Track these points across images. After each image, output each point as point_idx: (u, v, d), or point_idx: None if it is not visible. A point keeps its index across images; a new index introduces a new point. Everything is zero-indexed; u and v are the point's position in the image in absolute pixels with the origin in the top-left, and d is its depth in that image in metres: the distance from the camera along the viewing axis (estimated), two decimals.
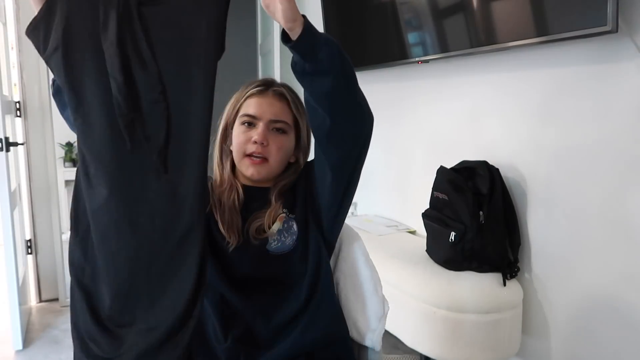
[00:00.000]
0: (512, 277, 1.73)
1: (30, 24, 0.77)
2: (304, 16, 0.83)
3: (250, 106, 1.05)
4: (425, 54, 2.09)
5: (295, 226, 1.03)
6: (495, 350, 1.67)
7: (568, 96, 1.61)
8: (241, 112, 1.06)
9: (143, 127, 0.78)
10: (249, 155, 1.03)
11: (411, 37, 2.17)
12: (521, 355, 1.80)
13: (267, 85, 1.08)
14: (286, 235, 1.02)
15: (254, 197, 1.06)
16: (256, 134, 1.02)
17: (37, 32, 0.77)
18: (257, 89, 1.06)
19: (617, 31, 1.33)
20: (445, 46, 1.98)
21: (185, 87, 0.79)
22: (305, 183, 1.06)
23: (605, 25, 1.33)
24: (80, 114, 0.78)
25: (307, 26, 0.83)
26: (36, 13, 0.76)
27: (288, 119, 1.06)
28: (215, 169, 1.11)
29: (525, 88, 1.77)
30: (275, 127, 1.04)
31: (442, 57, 2.00)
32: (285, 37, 0.85)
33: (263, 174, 1.05)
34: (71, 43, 0.76)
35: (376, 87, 2.58)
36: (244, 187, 1.07)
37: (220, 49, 0.80)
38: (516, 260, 1.77)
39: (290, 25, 0.82)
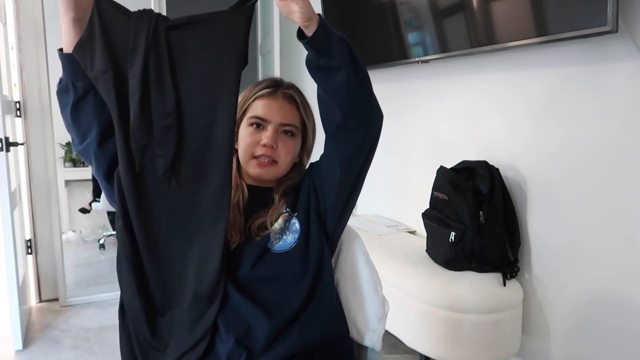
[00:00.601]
0: (512, 277, 1.73)
1: (77, 44, 0.85)
2: (318, 14, 0.87)
3: (259, 108, 1.05)
4: (425, 54, 2.09)
5: (297, 225, 1.03)
6: (495, 350, 1.67)
7: (568, 96, 1.61)
8: (249, 113, 1.06)
9: (152, 149, 0.87)
10: (256, 157, 1.04)
11: (411, 37, 2.17)
12: (521, 355, 1.81)
13: (276, 87, 1.08)
14: (288, 233, 1.03)
15: (258, 196, 1.07)
16: (265, 137, 1.03)
17: (83, 52, 0.84)
18: (266, 90, 1.06)
19: (617, 31, 1.33)
20: (445, 46, 1.98)
21: (207, 107, 0.88)
22: (309, 182, 1.06)
23: (605, 25, 1.33)
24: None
25: (322, 23, 0.86)
26: (80, 35, 0.84)
27: (297, 122, 1.07)
28: None
29: (525, 88, 1.77)
30: (284, 130, 1.05)
31: (442, 57, 2.01)
32: (300, 34, 0.88)
33: (271, 175, 1.06)
34: (119, 66, 0.84)
35: (376, 87, 2.56)
36: (248, 186, 1.08)
37: (243, 62, 0.89)
38: (516, 260, 1.77)
39: (306, 23, 0.85)
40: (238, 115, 1.07)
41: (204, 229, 0.92)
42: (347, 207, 1.04)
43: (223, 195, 0.91)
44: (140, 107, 0.84)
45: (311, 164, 1.10)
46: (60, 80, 0.91)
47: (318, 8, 2.75)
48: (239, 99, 1.07)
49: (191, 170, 0.90)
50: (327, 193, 1.03)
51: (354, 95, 0.91)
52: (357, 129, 0.94)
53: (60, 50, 0.89)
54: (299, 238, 1.02)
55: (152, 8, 2.99)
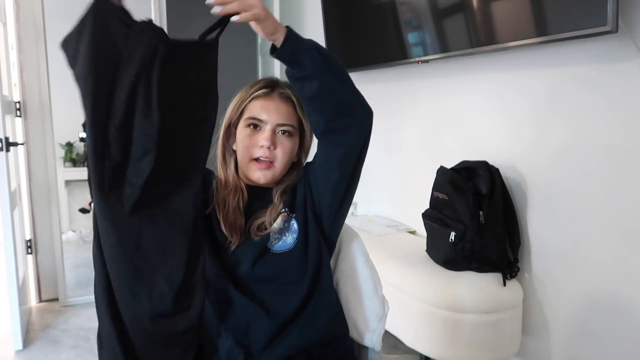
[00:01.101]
0: (512, 277, 1.73)
1: (64, 38, 0.81)
2: (287, 27, 0.88)
3: (256, 109, 1.04)
4: (425, 54, 2.09)
5: (295, 225, 1.03)
6: (495, 350, 1.67)
7: (568, 96, 1.61)
8: (246, 114, 1.05)
9: (125, 172, 0.81)
10: (256, 159, 1.04)
11: (411, 37, 2.17)
12: (521, 355, 1.81)
13: (272, 87, 1.07)
14: (287, 233, 1.03)
15: (257, 197, 1.07)
16: (263, 138, 1.02)
17: (68, 47, 0.80)
18: (262, 90, 1.05)
19: (617, 31, 1.33)
20: (445, 46, 1.98)
21: (184, 132, 0.85)
22: (305, 183, 1.06)
23: (605, 25, 1.33)
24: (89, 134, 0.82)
25: (288, 36, 0.87)
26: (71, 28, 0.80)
27: (294, 121, 1.06)
28: (219, 169, 1.09)
29: (525, 88, 1.77)
30: (281, 130, 1.04)
31: (442, 57, 2.00)
32: (273, 48, 0.90)
33: (269, 177, 1.05)
34: (103, 73, 0.79)
35: (376, 87, 2.58)
36: (248, 187, 1.07)
37: (216, 99, 0.87)
38: (516, 260, 1.77)
39: (272, 37, 0.87)
40: (235, 116, 1.06)
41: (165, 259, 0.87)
42: (342, 207, 1.04)
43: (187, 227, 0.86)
44: (121, 123, 0.79)
45: (306, 163, 1.10)
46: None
47: (318, 8, 2.75)
48: (236, 100, 1.07)
49: (157, 204, 0.84)
50: (322, 193, 1.03)
51: (334, 100, 0.91)
52: (344, 130, 0.94)
53: None
54: (297, 238, 1.03)
55: (152, 7, 2.97)
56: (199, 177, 0.88)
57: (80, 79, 0.79)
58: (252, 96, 1.05)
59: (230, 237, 1.01)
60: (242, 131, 1.05)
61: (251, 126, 1.04)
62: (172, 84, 0.81)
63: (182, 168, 0.86)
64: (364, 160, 1.00)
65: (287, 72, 0.92)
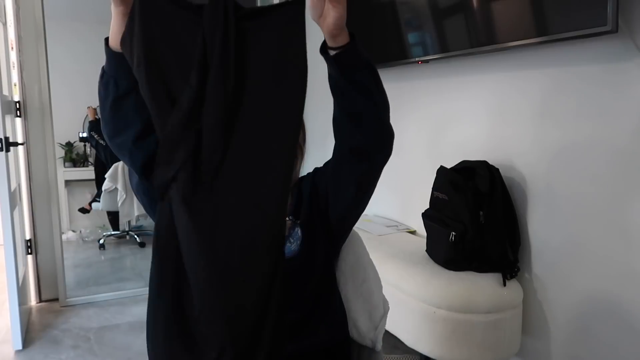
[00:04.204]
0: (512, 277, 1.73)
1: (121, 39, 0.79)
2: (350, 32, 0.83)
3: None
4: (425, 54, 2.09)
5: (299, 232, 1.02)
6: (495, 350, 1.67)
7: (568, 96, 1.61)
8: None
9: (200, 145, 0.75)
10: None
11: (411, 37, 2.17)
12: (521, 355, 1.81)
13: None
14: (291, 240, 1.01)
15: None
16: None
17: (126, 47, 0.78)
18: None
19: (617, 31, 1.33)
20: (445, 46, 1.98)
21: (270, 101, 0.77)
22: (313, 190, 1.04)
23: (605, 25, 1.33)
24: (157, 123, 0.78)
25: (355, 40, 0.83)
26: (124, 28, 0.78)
27: None
28: None
29: (525, 88, 1.77)
30: None
31: (442, 57, 2.01)
32: (324, 46, 0.84)
33: None
34: (154, 60, 0.75)
35: None
36: None
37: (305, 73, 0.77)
38: (516, 260, 1.77)
39: (337, 32, 0.81)
40: None
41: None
42: (354, 219, 1.04)
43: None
44: (198, 84, 0.73)
45: (315, 170, 1.08)
46: (103, 70, 0.86)
47: None
48: None
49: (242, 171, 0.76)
50: (333, 204, 1.01)
51: (372, 123, 0.89)
52: (372, 152, 0.93)
53: (107, 40, 0.84)
54: (301, 245, 1.01)
55: None
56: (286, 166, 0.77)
57: (136, 71, 0.77)
58: None
59: None
60: None
61: None
62: (254, 58, 0.75)
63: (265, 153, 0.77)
64: (379, 176, 0.99)
65: (331, 77, 0.87)
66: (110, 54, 0.83)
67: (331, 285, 1.04)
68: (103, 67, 0.86)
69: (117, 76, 0.84)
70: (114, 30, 0.81)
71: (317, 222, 1.02)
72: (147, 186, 0.89)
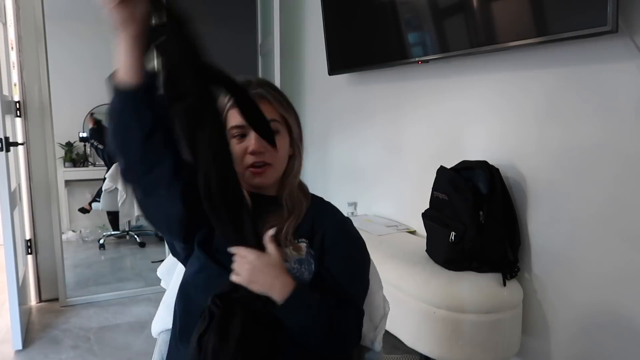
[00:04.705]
0: (512, 277, 1.73)
1: (164, 81, 0.79)
2: (295, 284, 0.88)
3: (234, 117, 0.98)
4: (425, 54, 2.09)
5: (313, 265, 0.96)
6: (495, 350, 1.67)
7: (568, 96, 1.61)
8: (228, 125, 0.99)
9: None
10: (250, 167, 0.99)
11: (411, 37, 2.17)
12: (521, 355, 1.81)
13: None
14: (305, 268, 0.95)
15: (261, 205, 0.99)
16: (250, 144, 0.97)
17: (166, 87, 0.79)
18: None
19: (617, 31, 1.33)
20: (445, 46, 1.98)
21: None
22: (322, 226, 1.01)
23: (605, 25, 1.33)
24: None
25: (288, 303, 0.86)
26: (143, 54, 0.78)
27: (276, 116, 1.01)
28: None
29: (525, 88, 1.77)
30: None
31: (442, 57, 2.00)
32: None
33: (270, 179, 1.01)
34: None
35: (376, 87, 2.58)
36: (252, 196, 1.00)
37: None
38: (516, 260, 1.77)
39: (271, 295, 0.86)
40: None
41: None
42: None
43: None
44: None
45: (332, 221, 1.04)
46: (115, 111, 0.81)
47: (318, 8, 2.75)
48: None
49: None
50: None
51: (324, 345, 0.89)
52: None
53: (112, 76, 0.79)
54: (313, 278, 0.95)
55: None
56: None
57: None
58: (227, 106, 0.99)
59: None
60: (231, 143, 0.98)
61: (237, 136, 0.99)
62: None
63: None
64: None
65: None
66: (123, 92, 0.78)
67: None
68: (113, 110, 0.81)
69: (138, 113, 0.79)
70: (126, 61, 0.76)
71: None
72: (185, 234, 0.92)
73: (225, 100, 0.98)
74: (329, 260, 0.97)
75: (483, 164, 1.78)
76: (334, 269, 0.96)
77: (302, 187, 1.08)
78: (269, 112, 0.99)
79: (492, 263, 1.74)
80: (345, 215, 1.09)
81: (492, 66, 1.90)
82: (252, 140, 0.97)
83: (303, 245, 0.97)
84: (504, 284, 1.69)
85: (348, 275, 0.98)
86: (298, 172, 1.06)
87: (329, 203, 1.09)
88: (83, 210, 4.40)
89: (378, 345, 1.09)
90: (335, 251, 0.98)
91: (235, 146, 0.99)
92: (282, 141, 1.02)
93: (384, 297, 1.12)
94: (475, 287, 1.67)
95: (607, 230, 1.52)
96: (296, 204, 1.01)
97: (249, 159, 0.98)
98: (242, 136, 0.99)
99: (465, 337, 1.64)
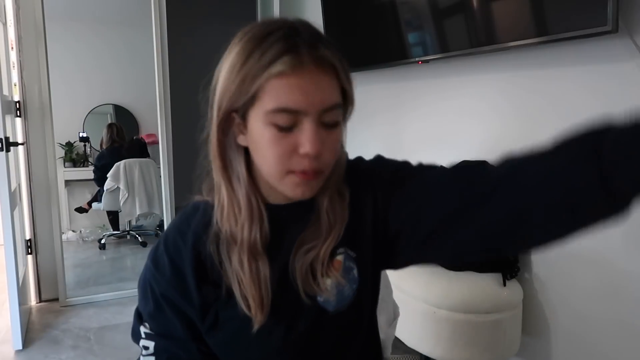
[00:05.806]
0: (512, 277, 1.73)
1: None
2: None
3: (285, 93, 0.61)
4: (425, 54, 2.09)
5: (355, 271, 0.72)
6: (495, 350, 1.67)
7: (568, 96, 1.61)
8: (268, 102, 0.61)
9: None
10: (300, 172, 0.65)
11: (411, 37, 2.17)
12: (521, 355, 1.81)
13: (296, 46, 0.61)
14: (344, 283, 0.71)
15: (288, 221, 0.72)
16: (307, 141, 0.62)
17: None
18: (287, 60, 0.60)
19: (617, 31, 1.33)
20: (445, 46, 1.98)
21: None
22: (375, 206, 0.72)
23: (605, 25, 1.33)
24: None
25: None
26: None
27: (338, 97, 0.65)
28: (221, 186, 0.69)
29: (525, 88, 1.76)
30: (324, 121, 0.64)
31: (442, 57, 2.00)
32: None
33: (316, 189, 0.68)
34: None
35: (376, 87, 2.58)
36: (269, 209, 0.70)
37: None
38: (516, 260, 1.77)
39: None
40: (241, 101, 0.63)
41: None
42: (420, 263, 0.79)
43: None
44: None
45: (372, 171, 0.75)
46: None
47: (318, 8, 2.75)
48: (238, 73, 0.63)
49: None
50: (416, 253, 0.72)
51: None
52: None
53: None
54: (356, 290, 0.73)
55: (152, 8, 2.96)
56: None
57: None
58: (271, 72, 0.60)
59: (250, 310, 0.67)
60: (261, 129, 0.63)
61: (279, 127, 0.62)
62: None
63: None
64: None
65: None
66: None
67: (375, 334, 0.82)
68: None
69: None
70: None
71: (372, 254, 0.73)
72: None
73: (264, 60, 0.61)
74: (413, 200, 0.71)
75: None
76: (428, 195, 0.73)
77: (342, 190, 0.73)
78: (332, 87, 0.64)
79: (492, 263, 1.74)
80: None
81: (492, 66, 1.90)
82: (308, 134, 0.62)
83: (341, 258, 0.72)
84: (504, 284, 1.69)
85: (436, 178, 0.76)
86: (343, 169, 0.73)
87: (351, 167, 0.75)
88: (80, 210, 4.39)
89: (387, 350, 1.03)
90: (407, 189, 0.72)
91: (277, 142, 0.63)
92: (339, 138, 0.68)
93: (394, 301, 1.09)
94: (475, 287, 1.67)
95: (607, 230, 1.52)
96: (338, 216, 0.71)
97: (299, 163, 0.64)
98: (288, 129, 0.63)
99: (465, 337, 1.64)
